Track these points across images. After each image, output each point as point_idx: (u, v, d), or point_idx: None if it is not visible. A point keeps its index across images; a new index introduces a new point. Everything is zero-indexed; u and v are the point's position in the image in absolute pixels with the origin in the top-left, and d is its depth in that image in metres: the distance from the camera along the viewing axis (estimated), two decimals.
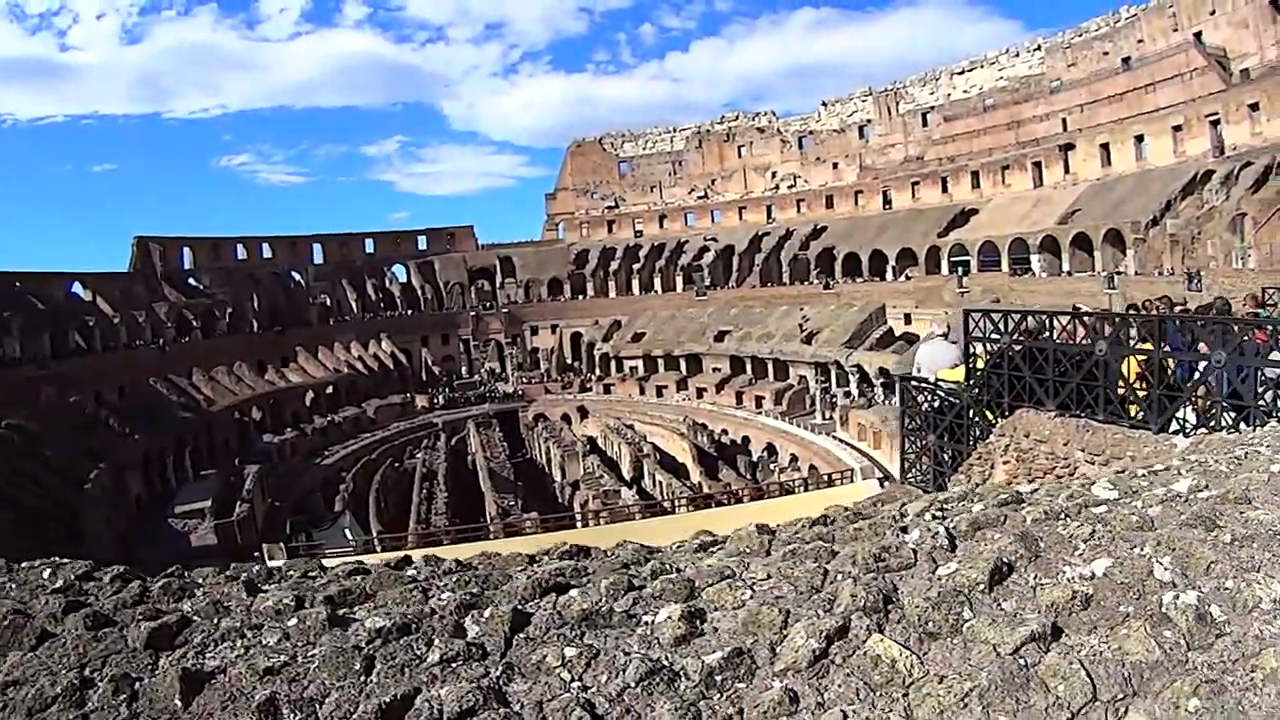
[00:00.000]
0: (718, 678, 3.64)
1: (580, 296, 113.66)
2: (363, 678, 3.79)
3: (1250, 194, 57.20)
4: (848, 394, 73.54)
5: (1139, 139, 74.70)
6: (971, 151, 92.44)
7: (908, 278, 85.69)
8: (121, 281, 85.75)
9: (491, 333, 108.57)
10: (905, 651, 3.63)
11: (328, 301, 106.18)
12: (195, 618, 4.56)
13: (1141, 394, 12.48)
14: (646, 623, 4.20)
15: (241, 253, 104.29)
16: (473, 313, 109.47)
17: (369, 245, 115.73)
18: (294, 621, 4.37)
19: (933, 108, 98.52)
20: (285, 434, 75.91)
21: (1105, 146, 77.62)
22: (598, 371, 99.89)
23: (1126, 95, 77.39)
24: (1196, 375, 12.22)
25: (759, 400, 78.64)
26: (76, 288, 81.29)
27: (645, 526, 47.94)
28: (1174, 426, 11.89)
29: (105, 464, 51.50)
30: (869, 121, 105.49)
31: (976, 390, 14.46)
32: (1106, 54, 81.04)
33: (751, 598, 4.38)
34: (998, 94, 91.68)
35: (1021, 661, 3.48)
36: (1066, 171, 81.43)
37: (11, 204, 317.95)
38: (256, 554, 45.08)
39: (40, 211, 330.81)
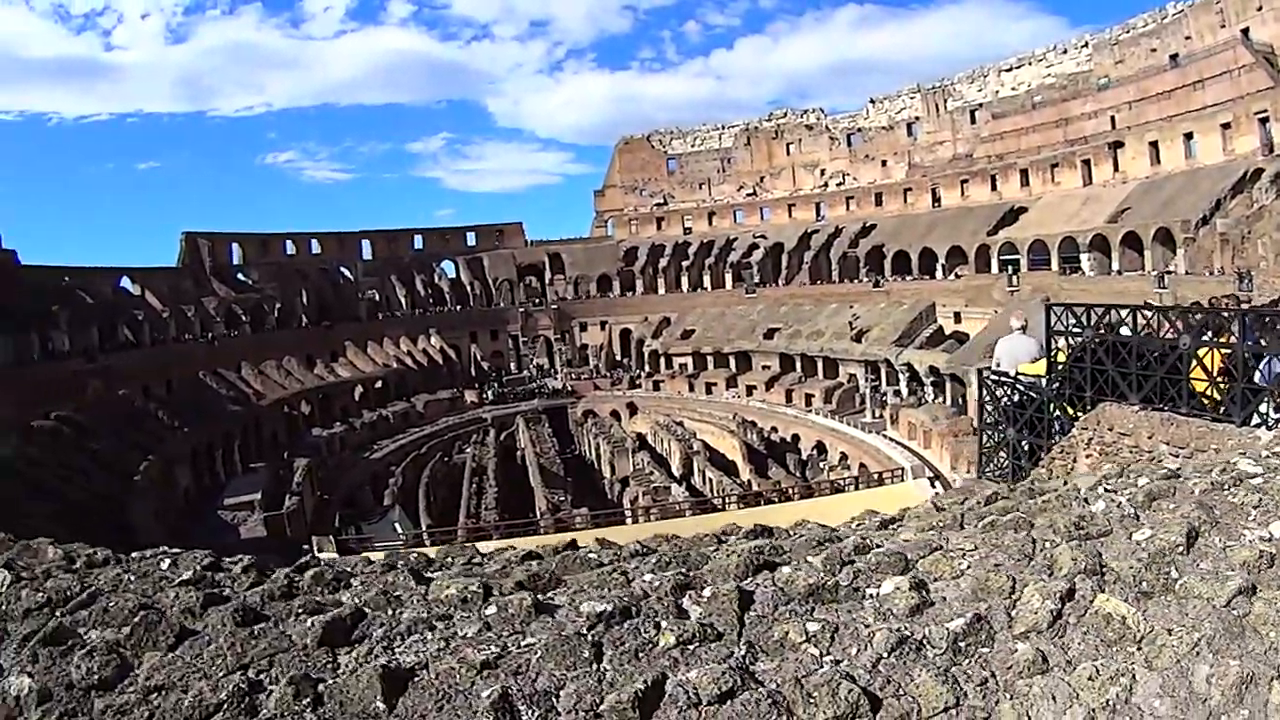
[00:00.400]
0: (962, 643, 3.85)
1: (629, 293, 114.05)
2: (595, 666, 3.69)
3: None
4: (898, 392, 73.35)
5: (1188, 137, 73.96)
6: (1020, 149, 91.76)
7: (957, 276, 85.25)
8: (170, 276, 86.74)
9: (540, 329, 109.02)
10: (1130, 608, 3.80)
11: (376, 297, 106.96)
12: (368, 609, 4.40)
13: (1224, 388, 12.47)
14: (873, 595, 4.38)
15: (290, 248, 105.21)
16: (521, 309, 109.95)
17: (418, 241, 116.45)
18: (492, 610, 4.23)
19: (981, 105, 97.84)
20: (334, 428, 76.52)
21: (1154, 144, 76.89)
22: (647, 368, 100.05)
23: (1175, 93, 76.53)
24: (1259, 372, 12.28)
25: (809, 398, 78.53)
26: (125, 282, 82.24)
27: (695, 524, 48.15)
28: (1254, 420, 11.93)
29: (154, 457, 52.15)
30: (917, 119, 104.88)
31: (1057, 385, 14.48)
32: (1154, 51, 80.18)
33: (969, 567, 4.56)
34: (1045, 91, 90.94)
35: (1235, 612, 3.72)
36: (1116, 170, 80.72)
37: (57, 201, 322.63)
38: (305, 546, 45.61)
39: (85, 209, 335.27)
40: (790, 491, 54.10)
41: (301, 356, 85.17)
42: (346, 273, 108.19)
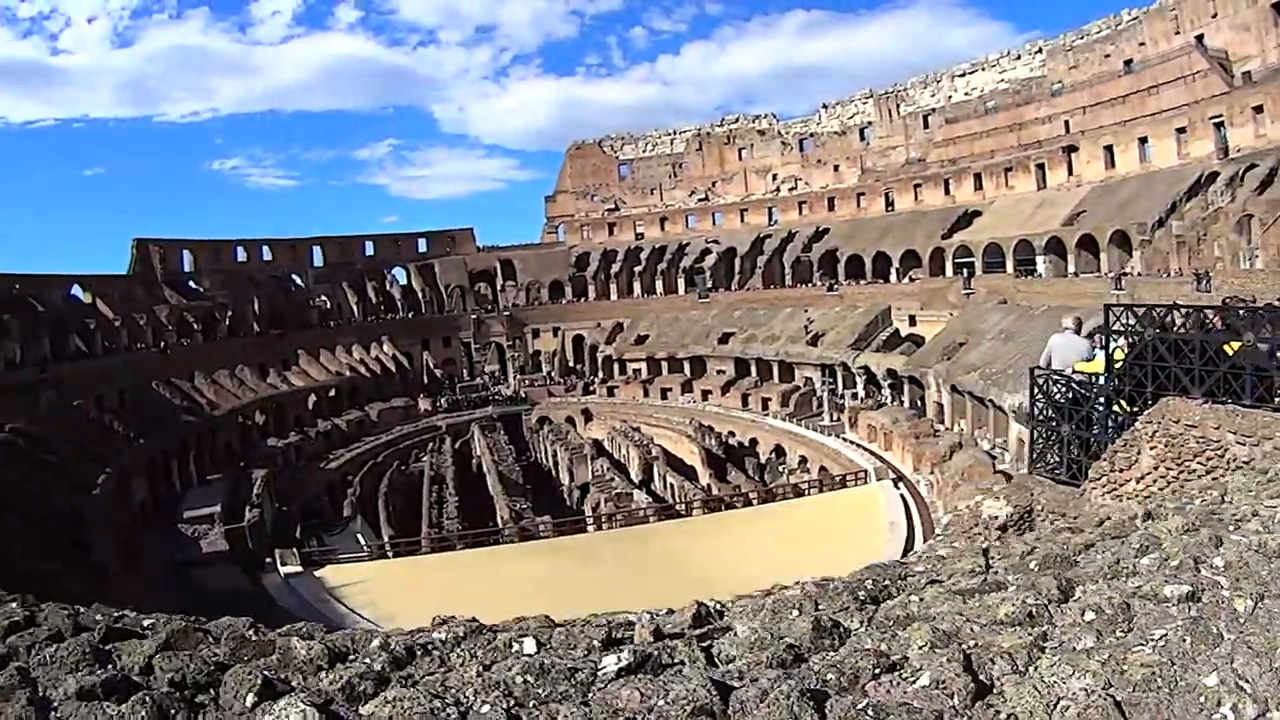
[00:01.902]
0: None
1: (582, 299, 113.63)
2: None
3: (1256, 195, 57.52)
4: (855, 395, 73.52)
5: (1143, 141, 75.02)
6: (973, 153, 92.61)
7: (912, 279, 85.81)
8: (121, 284, 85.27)
9: (493, 335, 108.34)
10: None
11: (328, 304, 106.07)
12: None
13: None
14: None
15: (242, 255, 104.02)
16: (474, 315, 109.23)
17: (369, 248, 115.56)
18: None
19: (934, 110, 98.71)
20: (289, 437, 75.38)
21: (1109, 148, 77.90)
22: (601, 374, 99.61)
23: (1129, 97, 77.63)
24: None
25: (765, 402, 78.44)
26: (76, 290, 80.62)
27: (662, 529, 47.94)
28: None
29: (110, 469, 51.07)
30: (870, 124, 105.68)
31: (1115, 381, 14.61)
32: (1108, 56, 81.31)
33: None
34: (999, 96, 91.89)
35: None
36: (1070, 173, 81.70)
37: (4, 208, 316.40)
38: (268, 559, 44.85)
39: (32, 215, 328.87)
40: (751, 496, 54.00)
41: (254, 365, 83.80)
42: (298, 280, 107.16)
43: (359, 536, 55.71)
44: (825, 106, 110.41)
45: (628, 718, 3.59)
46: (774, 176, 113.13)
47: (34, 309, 70.53)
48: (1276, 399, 12.59)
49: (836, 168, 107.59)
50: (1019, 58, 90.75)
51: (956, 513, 15.22)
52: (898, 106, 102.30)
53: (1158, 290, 51.90)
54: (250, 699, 3.89)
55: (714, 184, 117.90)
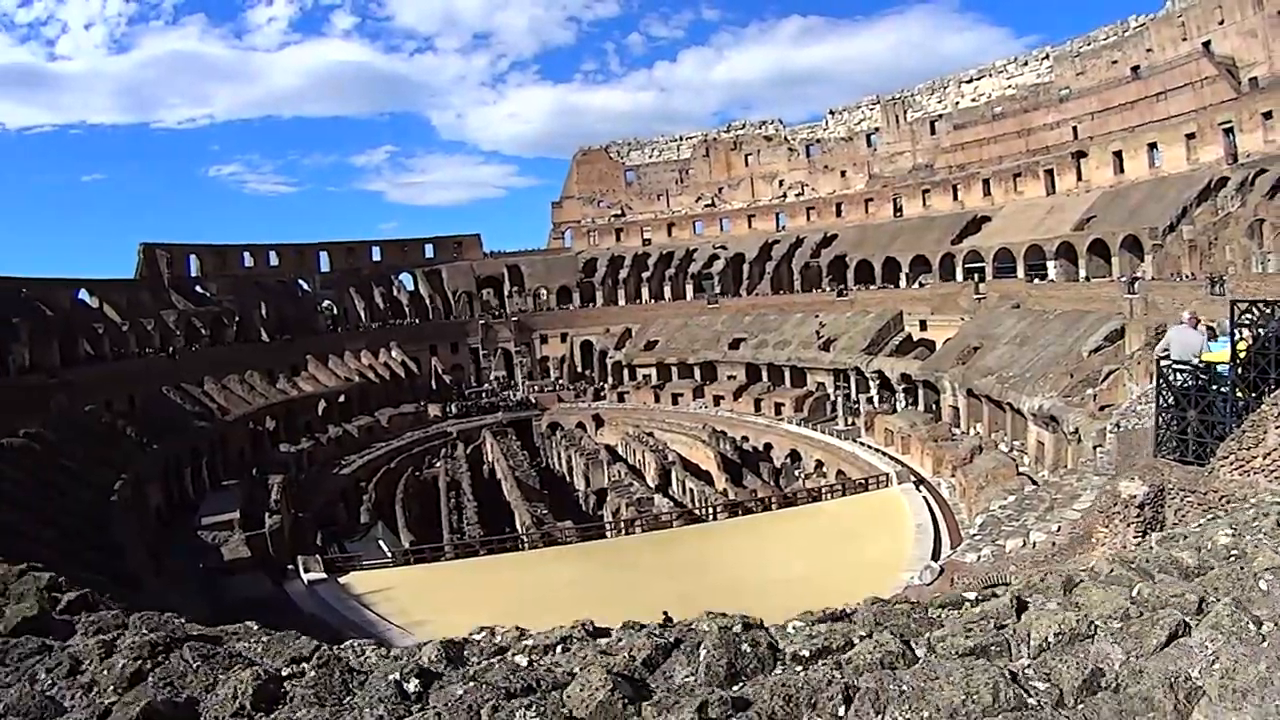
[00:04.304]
0: None
1: (589, 305, 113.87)
2: None
3: (1267, 200, 57.71)
4: (870, 400, 73.62)
5: (1152, 146, 75.26)
6: (981, 159, 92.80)
7: (922, 285, 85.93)
8: (128, 289, 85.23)
9: (500, 341, 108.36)
10: None
11: (335, 310, 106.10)
12: None
13: None
14: None
15: (248, 260, 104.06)
16: (481, 321, 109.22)
17: (376, 253, 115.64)
18: None
19: (941, 116, 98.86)
20: (301, 443, 75.37)
21: (1118, 154, 78.16)
22: (610, 380, 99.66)
23: (1137, 103, 77.80)
24: None
25: (778, 407, 78.61)
26: (83, 294, 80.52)
27: (684, 534, 48.04)
28: None
29: (126, 474, 50.93)
30: (876, 130, 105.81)
31: (1240, 370, 15.13)
32: (1115, 63, 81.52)
33: None
34: (1006, 102, 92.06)
35: None
36: (1079, 179, 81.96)
37: (4, 213, 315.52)
38: (290, 566, 44.87)
39: (32, 220, 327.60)
40: (772, 500, 54.11)
41: (263, 370, 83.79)
42: (305, 285, 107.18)
43: (381, 543, 55.78)
44: (832, 113, 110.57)
45: None
46: (780, 182, 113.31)
47: (42, 313, 70.33)
48: None
49: (843, 173, 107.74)
50: (1026, 64, 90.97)
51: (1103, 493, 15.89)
52: (904, 112, 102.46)
53: (1171, 294, 52.23)
54: None
55: (720, 190, 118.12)
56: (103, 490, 46.47)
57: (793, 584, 35.04)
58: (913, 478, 52.49)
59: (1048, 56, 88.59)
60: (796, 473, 68.91)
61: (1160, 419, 17.92)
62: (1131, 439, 29.18)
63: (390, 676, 5.26)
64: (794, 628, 6.26)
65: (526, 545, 48.24)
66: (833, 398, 77.80)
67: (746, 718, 4.50)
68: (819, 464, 66.73)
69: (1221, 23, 71.62)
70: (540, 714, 4.60)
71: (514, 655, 5.94)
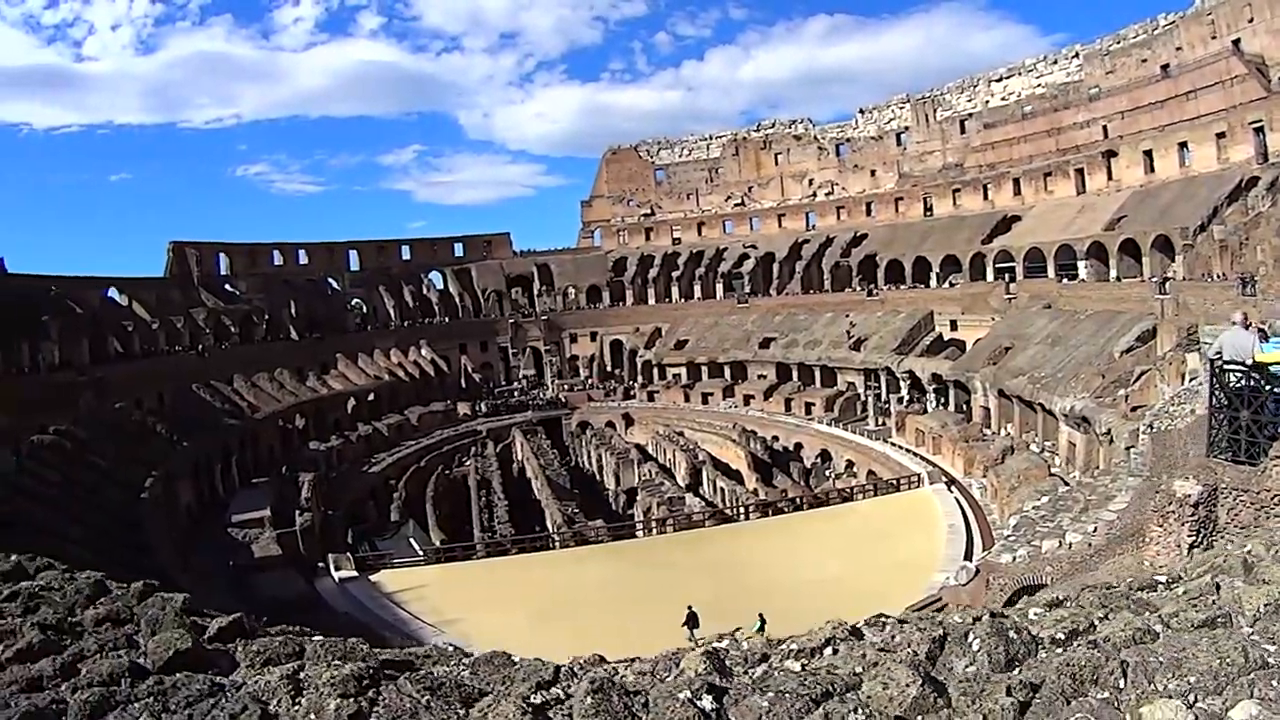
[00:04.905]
0: None
1: (619, 304, 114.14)
2: None
3: None
4: (901, 400, 73.39)
5: (1182, 145, 74.65)
6: (1011, 159, 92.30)
7: (952, 284, 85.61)
8: (157, 287, 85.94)
9: (530, 340, 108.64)
10: None
11: (365, 308, 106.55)
12: None
13: None
14: None
15: (278, 259, 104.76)
16: (511, 320, 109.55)
17: (405, 252, 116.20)
18: None
19: (971, 115, 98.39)
20: (330, 441, 75.64)
21: (1149, 153, 77.54)
22: (640, 379, 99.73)
23: (1167, 102, 77.13)
24: None
25: (809, 407, 78.50)
26: (112, 292, 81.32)
27: (715, 533, 48.08)
28: None
29: (156, 472, 51.23)
30: (906, 129, 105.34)
31: None
32: (1145, 61, 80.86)
33: None
34: (1036, 101, 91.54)
35: None
36: (1109, 178, 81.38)
37: (30, 212, 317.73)
38: (320, 564, 45.14)
39: (60, 220, 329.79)
40: (803, 500, 54.07)
41: (292, 369, 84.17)
42: (334, 284, 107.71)
43: (412, 541, 56.01)
44: (862, 111, 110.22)
45: None
46: (810, 181, 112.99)
47: (72, 311, 70.89)
48: None
49: (873, 173, 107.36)
50: (1055, 62, 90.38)
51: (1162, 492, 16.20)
52: (934, 111, 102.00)
53: (1203, 294, 51.81)
54: None
55: (750, 189, 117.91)
56: (133, 488, 46.80)
57: (826, 584, 35.10)
58: (944, 478, 52.39)
59: (1077, 55, 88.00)
60: (827, 473, 68.83)
61: (1213, 419, 18.02)
62: (1166, 440, 28.95)
63: (679, 695, 5.18)
64: (1035, 614, 7.08)
65: (558, 544, 48.43)
66: (863, 398, 77.67)
67: (1041, 697, 4.89)
68: (850, 464, 66.64)
69: (1251, 20, 70.95)
70: (867, 715, 4.85)
71: (782, 660, 6.22)
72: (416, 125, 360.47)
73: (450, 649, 6.51)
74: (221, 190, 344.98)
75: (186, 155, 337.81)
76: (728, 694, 5.27)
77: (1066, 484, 42.15)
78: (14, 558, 10.92)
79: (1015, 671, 5.48)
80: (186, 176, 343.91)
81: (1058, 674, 5.09)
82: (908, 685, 5.01)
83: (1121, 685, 4.97)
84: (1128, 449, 35.29)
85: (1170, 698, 4.66)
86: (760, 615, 28.75)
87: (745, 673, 5.96)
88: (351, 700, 5.05)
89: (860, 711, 4.84)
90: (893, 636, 6.49)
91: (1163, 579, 7.75)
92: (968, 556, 37.47)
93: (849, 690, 5.17)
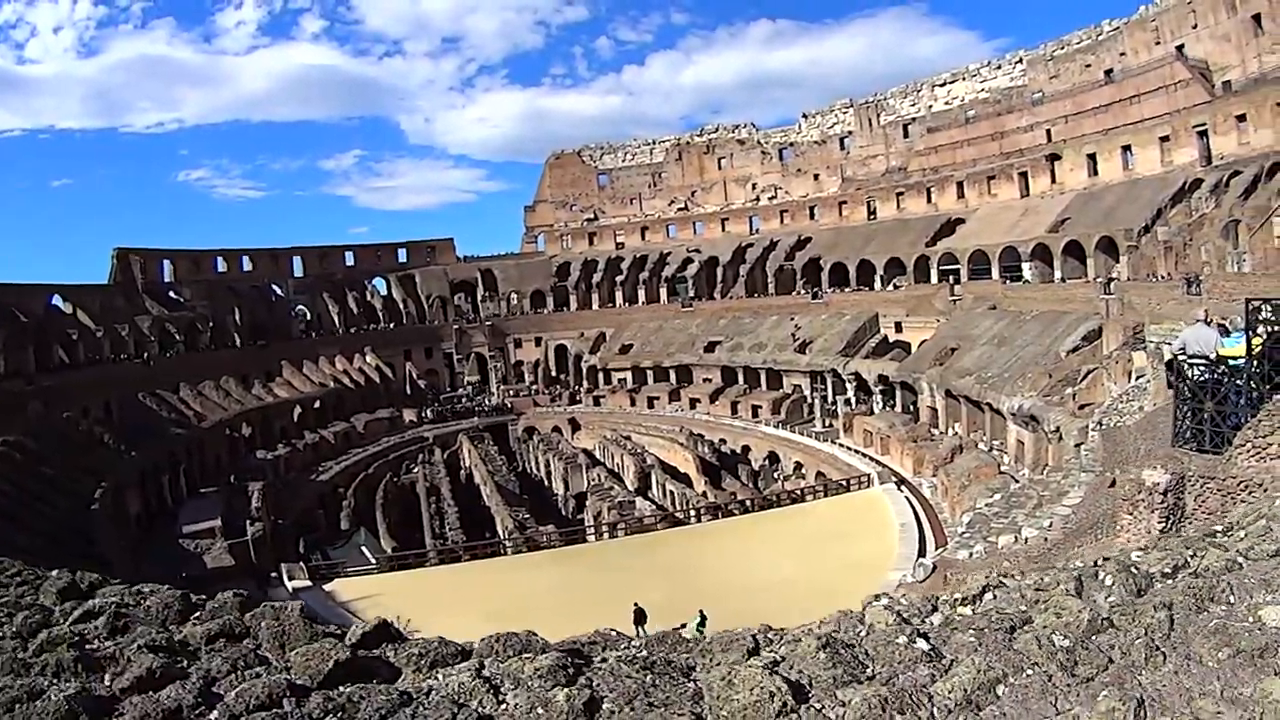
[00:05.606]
0: None
1: (564, 309, 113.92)
2: None
3: (1241, 201, 58.19)
4: (848, 401, 73.81)
5: (1126, 149, 75.87)
6: (955, 162, 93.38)
7: (897, 287, 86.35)
8: (102, 294, 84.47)
9: (474, 346, 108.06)
10: None
11: (309, 315, 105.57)
12: None
13: None
14: None
15: (222, 265, 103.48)
16: (455, 326, 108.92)
17: (349, 258, 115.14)
18: None
19: (914, 119, 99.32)
20: (277, 450, 74.83)
21: (1092, 156, 78.80)
22: (586, 384, 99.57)
23: (1111, 106, 78.51)
24: None
25: (755, 409, 78.77)
26: (57, 300, 79.70)
27: (667, 537, 47.96)
28: None
29: (105, 482, 50.43)
30: (849, 133, 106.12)
31: (1254, 364, 16.72)
32: (1089, 66, 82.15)
33: None
34: (979, 105, 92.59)
35: None
36: (1053, 181, 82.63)
37: None
38: (273, 574, 44.57)
39: (1, 225, 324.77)
40: (753, 502, 54.15)
41: (238, 376, 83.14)
42: (279, 290, 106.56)
43: (364, 549, 55.46)
44: (805, 116, 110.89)
45: None
46: (754, 186, 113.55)
47: (16, 319, 69.64)
48: None
49: (817, 177, 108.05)
50: (999, 67, 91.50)
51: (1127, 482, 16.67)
52: (878, 116, 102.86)
53: (1148, 294, 52.62)
54: None
55: (694, 193, 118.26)
56: (81, 498, 46.06)
57: (781, 585, 35.06)
58: (894, 478, 52.67)
59: (1021, 60, 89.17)
60: (776, 474, 69.04)
61: (1178, 411, 18.76)
62: (1116, 436, 29.41)
63: (897, 640, 5.91)
64: (1137, 555, 8.39)
65: (510, 550, 48.12)
66: (810, 400, 78.07)
67: (1171, 613, 5.85)
68: (798, 465, 66.93)
69: (1195, 26, 72.29)
70: (1062, 633, 5.71)
71: (952, 608, 7.31)
72: (358, 130, 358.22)
73: (611, 634, 6.90)
74: (164, 195, 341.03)
75: (128, 160, 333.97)
76: (929, 636, 6.04)
77: (1017, 481, 42.58)
78: (66, 573, 10.39)
79: (1147, 597, 6.59)
80: (129, 181, 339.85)
81: (1183, 595, 6.21)
82: (1080, 611, 5.99)
83: (1232, 600, 6.12)
84: (1077, 446, 35.74)
85: (1274, 605, 5.64)
86: (700, 611, 28.82)
87: (923, 620, 6.83)
88: (575, 689, 4.94)
89: (1056, 631, 5.72)
90: (1041, 578, 7.96)
91: (1219, 528, 9.37)
92: (921, 554, 37.65)
93: (1026, 622, 6.12)
